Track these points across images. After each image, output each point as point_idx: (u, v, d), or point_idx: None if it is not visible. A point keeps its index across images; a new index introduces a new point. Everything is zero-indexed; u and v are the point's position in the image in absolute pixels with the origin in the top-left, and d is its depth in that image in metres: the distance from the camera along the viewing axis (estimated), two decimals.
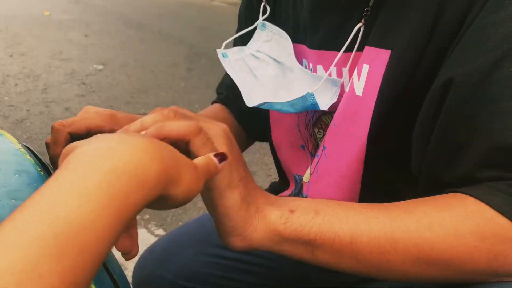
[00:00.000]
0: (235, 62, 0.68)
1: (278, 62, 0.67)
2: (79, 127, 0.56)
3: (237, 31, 0.80)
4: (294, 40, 0.66)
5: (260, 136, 0.84)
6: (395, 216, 0.44)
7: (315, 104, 0.59)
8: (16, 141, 0.59)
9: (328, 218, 0.45)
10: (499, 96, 0.43)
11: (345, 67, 0.58)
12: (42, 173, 0.54)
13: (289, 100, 0.59)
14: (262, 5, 0.69)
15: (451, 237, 0.42)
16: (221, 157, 0.42)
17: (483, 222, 0.41)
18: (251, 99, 0.64)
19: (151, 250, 0.88)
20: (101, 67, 3.77)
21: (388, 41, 0.52)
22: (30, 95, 3.12)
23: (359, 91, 0.55)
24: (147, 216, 1.86)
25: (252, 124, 0.80)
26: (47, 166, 0.55)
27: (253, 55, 0.68)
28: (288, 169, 0.76)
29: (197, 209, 1.93)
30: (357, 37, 0.55)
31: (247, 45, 0.69)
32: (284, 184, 0.82)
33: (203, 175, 0.39)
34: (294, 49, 0.66)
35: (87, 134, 0.57)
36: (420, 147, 0.51)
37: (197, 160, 0.40)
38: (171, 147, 0.37)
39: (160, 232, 1.77)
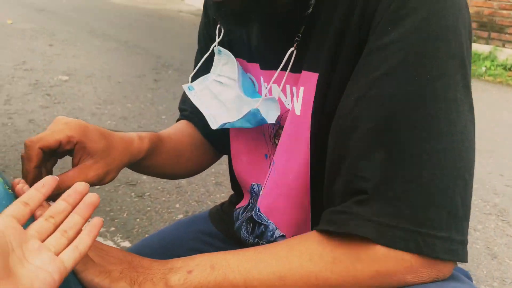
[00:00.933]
0: (200, 92, 0.73)
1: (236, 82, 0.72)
2: (49, 142, 0.58)
3: (197, 52, 0.85)
4: (250, 60, 0.72)
5: (226, 149, 0.89)
6: (281, 256, 0.53)
7: (263, 119, 0.65)
8: None
9: (223, 270, 0.53)
10: (360, 117, 0.51)
11: (285, 85, 0.64)
12: (10, 191, 0.57)
13: (242, 116, 0.65)
14: (218, 27, 0.74)
15: (330, 265, 0.51)
16: None
17: (356, 247, 0.50)
18: (215, 122, 0.69)
19: None
20: (66, 77, 3.74)
21: (316, 65, 0.58)
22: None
23: (298, 111, 0.61)
24: (113, 229, 1.87)
25: (217, 138, 0.85)
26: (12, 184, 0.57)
27: (216, 81, 0.73)
28: (244, 180, 0.80)
29: (163, 221, 1.95)
30: (291, 59, 0.62)
31: (211, 70, 0.74)
32: (238, 197, 0.86)
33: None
34: (250, 67, 0.72)
35: (58, 147, 0.59)
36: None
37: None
38: None
39: (126, 244, 1.78)
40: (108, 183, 0.65)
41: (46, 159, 0.61)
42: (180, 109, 0.89)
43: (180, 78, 3.88)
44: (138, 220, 1.95)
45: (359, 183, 0.50)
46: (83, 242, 0.47)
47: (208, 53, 0.75)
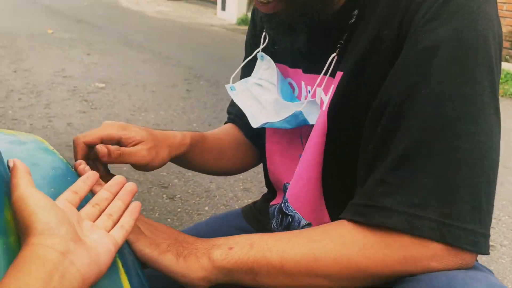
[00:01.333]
0: (242, 92, 0.80)
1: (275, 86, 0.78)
2: (93, 138, 0.69)
3: (244, 59, 0.92)
4: (292, 65, 0.77)
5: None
6: (315, 239, 0.58)
7: (305, 120, 0.71)
8: (47, 142, 0.70)
9: (261, 249, 0.58)
10: (393, 114, 0.56)
11: (321, 88, 0.70)
12: (73, 170, 0.65)
13: (284, 118, 0.71)
14: (263, 34, 0.80)
15: (362, 250, 0.55)
16: None
17: (385, 235, 0.54)
18: (255, 121, 0.75)
19: None
20: (102, 85, 3.89)
21: (344, 65, 0.64)
22: (33, 110, 3.22)
23: (324, 107, 0.67)
24: None
25: (259, 141, 0.90)
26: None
27: (257, 84, 0.79)
28: (278, 179, 0.86)
29: (192, 222, 2.02)
30: (332, 64, 0.67)
31: (252, 73, 0.81)
32: (272, 194, 0.92)
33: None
34: (292, 73, 0.78)
35: (100, 142, 0.69)
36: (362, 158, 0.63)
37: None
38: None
39: None
40: (159, 165, 0.73)
41: (96, 156, 0.70)
42: (228, 112, 0.96)
43: (211, 89, 3.99)
44: (169, 220, 2.02)
45: (387, 174, 0.55)
46: (127, 222, 0.54)
47: (250, 57, 0.81)
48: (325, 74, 0.68)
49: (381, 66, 0.59)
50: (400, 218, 0.52)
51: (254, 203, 1.00)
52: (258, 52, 0.80)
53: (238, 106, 0.80)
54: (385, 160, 0.55)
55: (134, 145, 0.71)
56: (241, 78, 0.83)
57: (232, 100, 0.94)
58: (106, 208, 0.55)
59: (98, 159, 0.69)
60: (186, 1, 10.08)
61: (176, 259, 0.58)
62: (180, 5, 9.59)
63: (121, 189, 0.58)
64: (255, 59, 0.81)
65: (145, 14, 8.14)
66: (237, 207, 2.20)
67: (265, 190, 0.96)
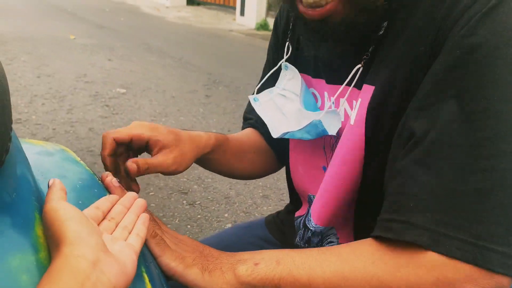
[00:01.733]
0: (265, 103, 0.79)
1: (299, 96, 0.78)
2: (122, 134, 0.70)
3: (265, 64, 0.91)
4: (315, 75, 0.77)
5: (286, 159, 0.95)
6: (344, 257, 0.56)
7: (324, 130, 0.70)
8: (75, 154, 0.71)
9: (288, 266, 0.57)
10: (423, 130, 0.54)
11: (351, 99, 0.69)
12: (100, 182, 0.66)
13: (303, 126, 0.70)
14: (287, 45, 0.80)
15: (392, 269, 0.53)
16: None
17: (416, 255, 0.52)
18: (276, 132, 0.75)
19: None
20: (123, 90, 3.94)
21: (374, 78, 0.63)
22: (56, 114, 3.27)
23: (352, 121, 0.66)
24: None
25: (279, 147, 0.90)
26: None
27: (281, 94, 0.79)
28: (302, 190, 0.85)
29: (212, 229, 2.02)
30: (356, 75, 0.66)
31: (276, 83, 0.80)
32: (295, 205, 0.91)
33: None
34: (315, 83, 0.77)
35: (130, 141, 0.70)
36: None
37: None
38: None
39: None
40: (184, 169, 0.74)
41: (122, 152, 0.72)
42: (245, 118, 0.96)
43: (230, 94, 4.00)
44: (189, 227, 2.03)
45: (417, 190, 0.53)
46: (141, 230, 0.56)
47: (275, 68, 0.81)
48: (348, 84, 0.67)
49: (414, 80, 0.58)
50: (431, 237, 0.51)
51: (278, 213, 0.99)
52: (282, 62, 0.79)
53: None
54: (417, 175, 0.54)
55: (160, 149, 0.71)
56: (261, 85, 0.83)
57: (248, 105, 0.95)
58: (120, 220, 0.57)
59: (123, 162, 0.71)
60: (205, 6, 10.16)
61: (201, 274, 0.58)
62: (199, 11, 9.67)
63: (132, 204, 0.61)
64: (279, 69, 0.81)
65: (166, 20, 8.22)
66: (256, 214, 2.20)
67: (284, 197, 0.95)
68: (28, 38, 5.69)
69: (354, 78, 0.66)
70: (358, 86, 0.66)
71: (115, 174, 0.70)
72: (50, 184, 0.50)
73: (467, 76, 0.52)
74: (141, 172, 0.68)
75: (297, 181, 0.85)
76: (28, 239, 0.43)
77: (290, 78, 0.78)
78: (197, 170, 2.47)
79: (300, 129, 0.71)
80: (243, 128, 0.96)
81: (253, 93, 0.82)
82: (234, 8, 8.85)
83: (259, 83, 0.84)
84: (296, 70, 0.77)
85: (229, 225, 2.06)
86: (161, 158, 0.71)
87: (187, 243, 0.63)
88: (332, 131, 0.70)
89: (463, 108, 0.52)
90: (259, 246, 0.92)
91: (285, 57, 0.79)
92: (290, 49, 0.79)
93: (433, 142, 0.53)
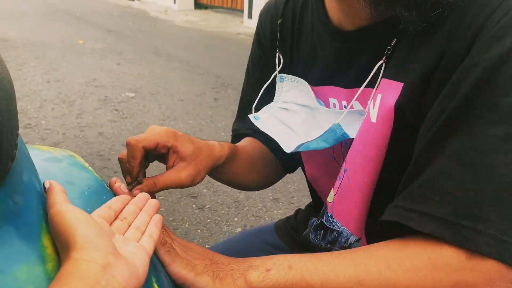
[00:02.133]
0: (267, 120, 0.77)
1: (304, 106, 0.75)
2: (151, 142, 0.66)
3: (246, 84, 0.89)
4: (320, 83, 0.74)
5: (292, 167, 0.93)
6: (358, 262, 0.54)
7: (344, 134, 0.67)
8: (83, 160, 0.70)
9: (300, 271, 0.55)
10: (452, 132, 0.51)
11: (369, 100, 0.66)
12: (108, 188, 0.64)
13: (319, 135, 0.68)
14: (277, 55, 0.77)
15: (409, 273, 0.51)
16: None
17: (434, 255, 0.50)
18: (289, 147, 0.73)
19: None
20: (132, 94, 3.94)
21: (401, 75, 0.60)
22: (65, 119, 3.28)
23: (373, 118, 0.62)
24: None
25: (285, 153, 0.89)
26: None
27: (281, 108, 0.76)
28: (325, 195, 0.83)
29: (222, 233, 2.01)
30: (379, 73, 0.63)
31: (274, 98, 0.77)
32: (314, 210, 0.89)
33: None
34: (319, 91, 0.74)
35: (155, 148, 0.67)
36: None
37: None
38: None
39: None
40: (198, 183, 0.71)
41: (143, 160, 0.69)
42: (236, 129, 0.92)
43: (238, 97, 3.98)
44: (198, 231, 2.01)
45: (442, 183, 0.51)
46: (154, 231, 0.55)
47: (268, 82, 0.78)
48: (370, 83, 0.64)
49: (448, 77, 0.55)
50: (454, 229, 0.49)
51: (288, 218, 0.98)
52: (276, 74, 0.77)
53: (251, 123, 0.78)
54: (441, 165, 0.51)
55: (176, 161, 0.69)
56: (251, 103, 0.80)
57: (239, 116, 0.92)
58: (133, 221, 0.56)
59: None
60: (213, 10, 10.18)
61: (212, 281, 0.57)
62: (207, 14, 9.69)
63: (145, 204, 0.59)
64: (272, 82, 0.78)
65: (174, 24, 8.25)
66: (266, 218, 2.18)
67: (294, 200, 0.95)
68: (37, 43, 5.73)
69: (378, 76, 0.63)
70: (371, 84, 0.64)
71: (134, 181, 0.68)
72: (46, 186, 0.49)
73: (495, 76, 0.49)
74: (157, 189, 0.67)
75: (320, 190, 0.84)
76: (34, 250, 0.42)
77: (288, 89, 0.76)
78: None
79: (316, 139, 0.68)
80: (235, 142, 0.91)
81: (252, 112, 0.80)
82: (241, 11, 8.86)
83: (255, 102, 0.81)
84: (296, 79, 0.75)
85: (239, 229, 2.05)
86: (174, 176, 0.68)
87: (196, 250, 0.62)
88: (352, 134, 0.67)
89: (487, 104, 0.50)
90: (268, 252, 0.91)
91: (278, 68, 0.77)
92: (282, 60, 0.77)
93: (461, 145, 0.51)
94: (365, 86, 0.64)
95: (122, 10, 9.67)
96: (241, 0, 9.09)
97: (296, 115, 0.74)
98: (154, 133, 0.67)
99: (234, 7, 9.51)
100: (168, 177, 0.67)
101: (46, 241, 0.44)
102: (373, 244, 0.57)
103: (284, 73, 0.76)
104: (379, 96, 0.62)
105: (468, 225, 0.49)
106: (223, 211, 2.18)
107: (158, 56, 5.52)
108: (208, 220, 2.10)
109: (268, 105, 0.78)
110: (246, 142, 0.90)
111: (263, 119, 0.77)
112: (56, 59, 5.02)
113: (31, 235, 0.43)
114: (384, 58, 0.62)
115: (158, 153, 0.70)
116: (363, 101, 0.67)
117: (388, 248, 0.54)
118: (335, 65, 0.71)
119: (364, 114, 0.66)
